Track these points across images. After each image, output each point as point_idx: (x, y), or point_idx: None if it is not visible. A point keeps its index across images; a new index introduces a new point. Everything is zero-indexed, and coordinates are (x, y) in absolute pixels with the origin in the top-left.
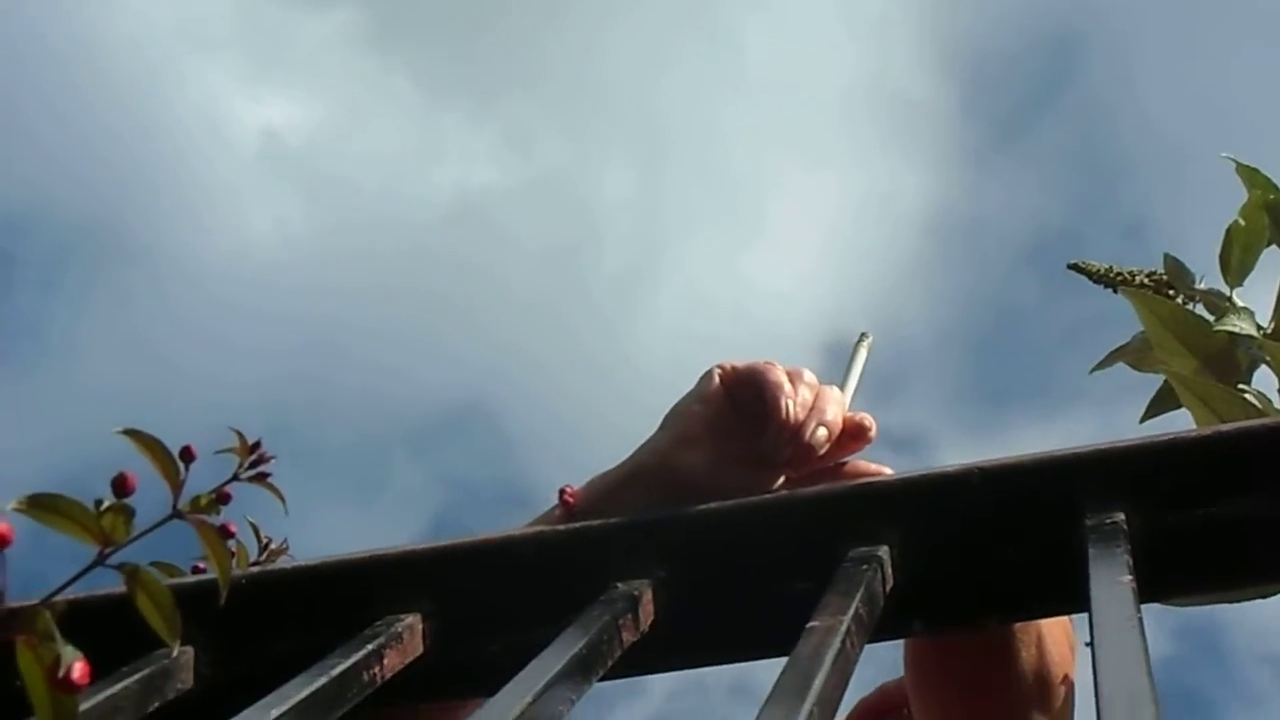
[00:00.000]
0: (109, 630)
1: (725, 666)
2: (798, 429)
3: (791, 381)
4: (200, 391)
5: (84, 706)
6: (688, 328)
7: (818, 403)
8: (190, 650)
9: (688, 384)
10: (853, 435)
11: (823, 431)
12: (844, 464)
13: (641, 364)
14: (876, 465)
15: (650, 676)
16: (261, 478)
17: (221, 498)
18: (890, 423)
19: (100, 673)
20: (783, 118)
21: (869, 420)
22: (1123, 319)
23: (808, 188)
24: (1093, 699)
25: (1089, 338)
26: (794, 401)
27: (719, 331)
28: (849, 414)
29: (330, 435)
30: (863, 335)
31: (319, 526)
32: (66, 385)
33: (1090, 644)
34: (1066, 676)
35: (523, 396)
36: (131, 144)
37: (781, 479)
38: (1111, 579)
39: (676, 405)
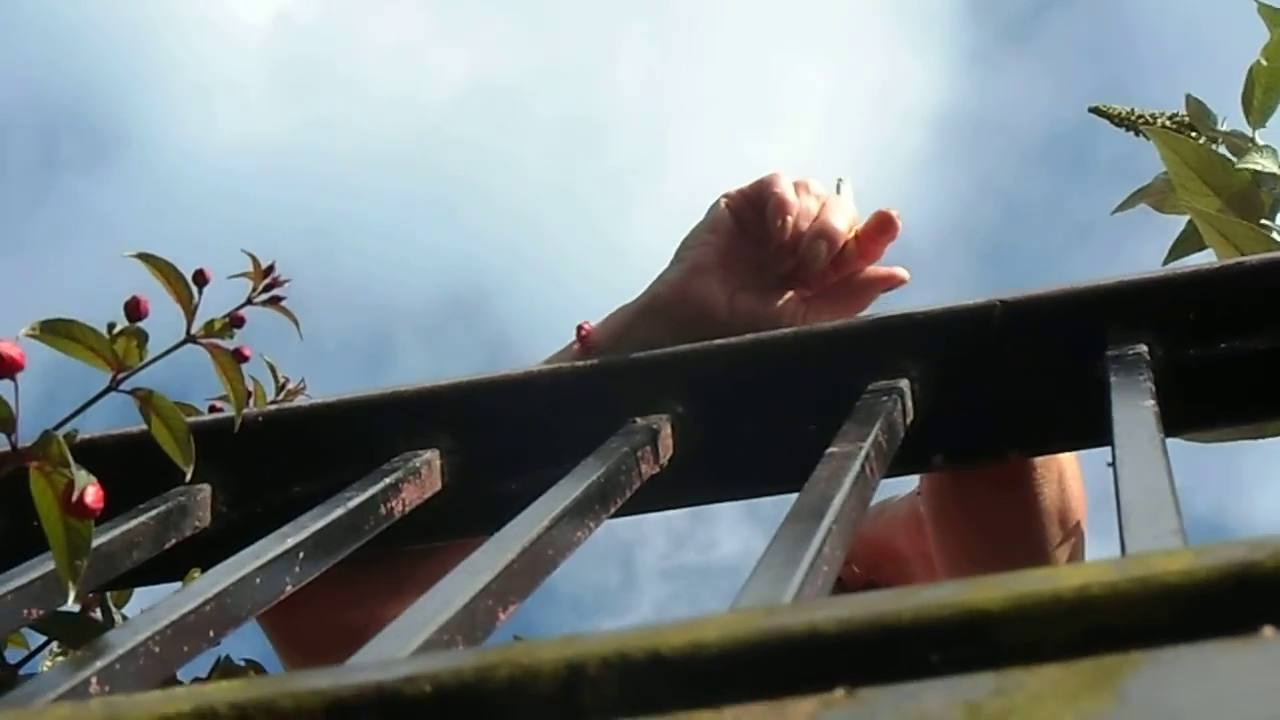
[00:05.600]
0: (124, 470)
1: (722, 584)
2: (798, 239)
3: (797, 192)
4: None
5: (100, 542)
6: (691, 212)
7: (822, 213)
8: (208, 488)
9: None
10: (879, 230)
11: (822, 244)
12: (862, 276)
13: (647, 247)
14: (887, 269)
15: (643, 588)
16: (275, 301)
17: (235, 321)
18: None
19: (116, 513)
20: (794, 6)
21: (892, 211)
22: (1133, 218)
23: (814, 80)
24: (1114, 513)
25: (1099, 236)
26: (795, 214)
27: None
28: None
29: (336, 315)
30: (839, 179)
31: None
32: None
33: (1112, 463)
34: (1081, 520)
35: (532, 278)
36: (137, 23)
37: (795, 297)
38: (1134, 403)
39: (687, 237)
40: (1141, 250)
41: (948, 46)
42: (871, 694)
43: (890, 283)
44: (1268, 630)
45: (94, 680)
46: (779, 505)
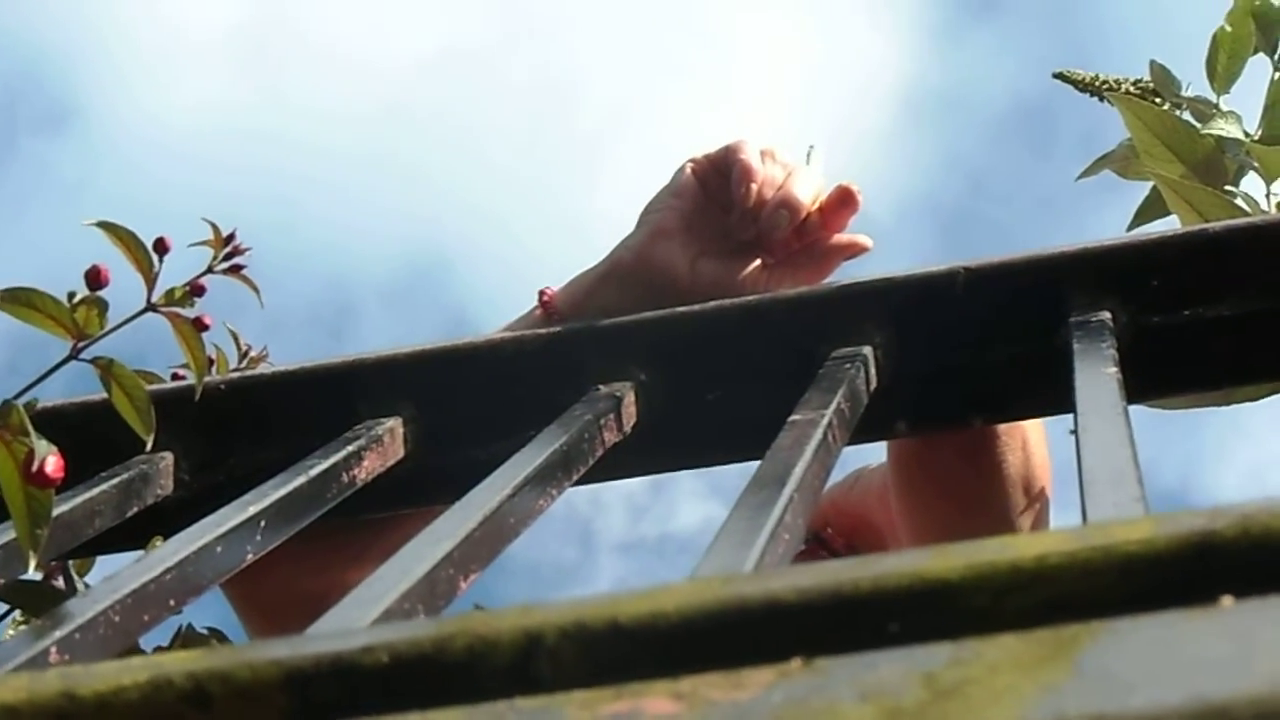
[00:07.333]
0: (86, 437)
1: (681, 558)
2: (761, 206)
3: (763, 159)
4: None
5: (62, 510)
6: (655, 180)
7: (787, 182)
8: (170, 456)
9: None
10: (840, 203)
11: (784, 213)
12: (825, 244)
13: (607, 221)
14: (850, 237)
15: (601, 562)
16: (236, 270)
17: (195, 290)
18: None
19: (78, 480)
20: None
21: (853, 186)
22: (1096, 190)
23: (778, 52)
24: (1076, 482)
25: (1063, 209)
26: (759, 181)
27: None
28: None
29: (299, 283)
30: (810, 147)
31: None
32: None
33: (1074, 431)
34: (1046, 488)
35: (495, 245)
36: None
37: (758, 264)
38: (1097, 370)
39: (651, 201)
40: (1106, 224)
41: (911, 19)
42: (828, 664)
43: (853, 250)
44: (1226, 600)
45: (53, 650)
46: (739, 477)
